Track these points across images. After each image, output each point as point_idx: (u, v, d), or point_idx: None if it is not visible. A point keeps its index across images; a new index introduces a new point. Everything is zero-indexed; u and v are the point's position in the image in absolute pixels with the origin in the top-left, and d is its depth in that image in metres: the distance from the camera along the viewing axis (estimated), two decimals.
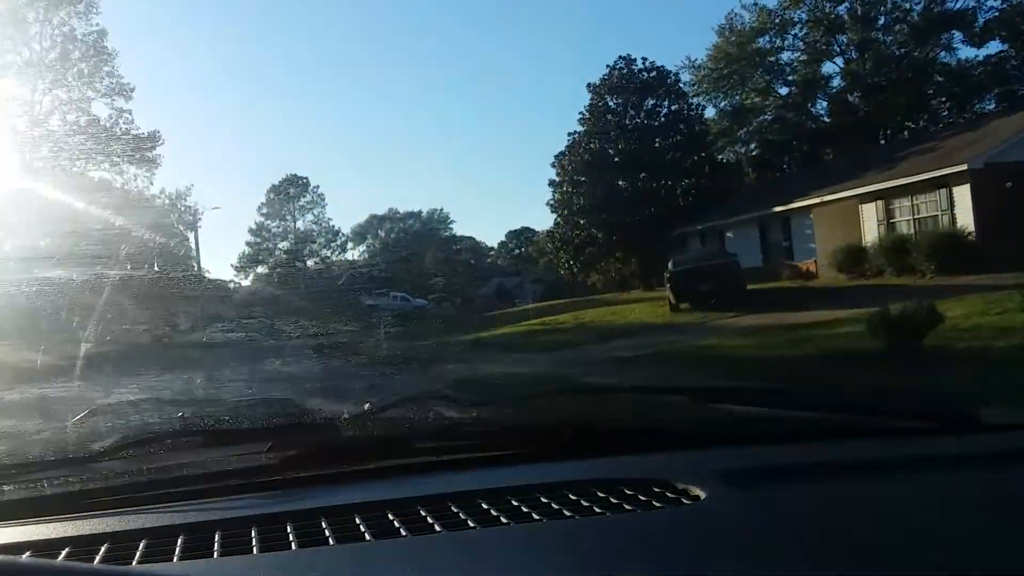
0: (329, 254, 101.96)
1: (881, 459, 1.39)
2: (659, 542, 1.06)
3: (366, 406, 1.63)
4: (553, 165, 41.46)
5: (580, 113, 41.24)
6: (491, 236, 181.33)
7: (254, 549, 1.06)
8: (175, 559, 1.04)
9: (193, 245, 53.88)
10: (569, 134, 41.31)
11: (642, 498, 1.20)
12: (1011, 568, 0.93)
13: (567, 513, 1.15)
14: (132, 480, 1.38)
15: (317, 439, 1.50)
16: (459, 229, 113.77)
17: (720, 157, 41.91)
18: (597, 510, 1.16)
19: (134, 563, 1.04)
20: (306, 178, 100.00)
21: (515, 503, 1.18)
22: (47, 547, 1.10)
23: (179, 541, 1.09)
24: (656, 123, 40.26)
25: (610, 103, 40.70)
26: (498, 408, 1.84)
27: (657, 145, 39.14)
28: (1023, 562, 0.95)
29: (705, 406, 1.87)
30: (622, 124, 39.99)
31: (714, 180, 39.41)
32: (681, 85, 41.26)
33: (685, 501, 1.18)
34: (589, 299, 36.43)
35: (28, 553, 1.07)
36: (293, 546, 1.06)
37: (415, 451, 1.48)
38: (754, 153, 42.63)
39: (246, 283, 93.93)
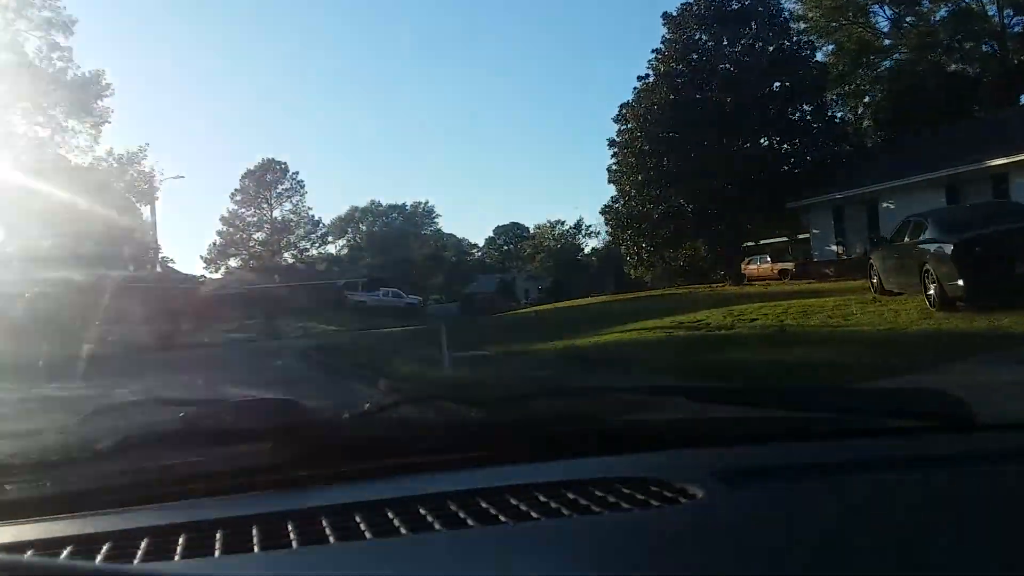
0: (308, 246, 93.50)
1: (879, 458, 1.40)
2: (657, 541, 1.07)
3: (366, 406, 1.60)
4: (617, 119, 32.22)
5: (654, 51, 32.01)
6: (472, 232, 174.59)
7: (255, 548, 1.07)
8: (176, 558, 1.05)
9: (149, 222, 43.35)
10: (639, 78, 32.05)
11: (640, 497, 1.20)
12: (1009, 569, 0.94)
13: (565, 512, 1.15)
14: (133, 479, 1.39)
15: (317, 438, 1.47)
16: (442, 224, 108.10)
17: (831, 112, 32.74)
18: (595, 509, 1.16)
19: (135, 562, 1.04)
20: (284, 163, 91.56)
21: (514, 502, 1.19)
22: (48, 546, 1.10)
23: (180, 540, 1.10)
24: (754, 64, 30.73)
25: (694, 38, 31.43)
26: (497, 407, 1.80)
27: (758, 93, 29.89)
28: (1021, 563, 0.95)
29: (703, 405, 1.84)
30: (710, 66, 30.74)
31: (830, 137, 30.45)
32: (785, 18, 32.18)
33: (683, 500, 1.18)
34: (668, 294, 27.65)
35: (30, 552, 1.08)
36: (294, 545, 1.07)
37: (415, 450, 1.50)
38: (881, 103, 33.23)
39: (216, 276, 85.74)
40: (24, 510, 1.27)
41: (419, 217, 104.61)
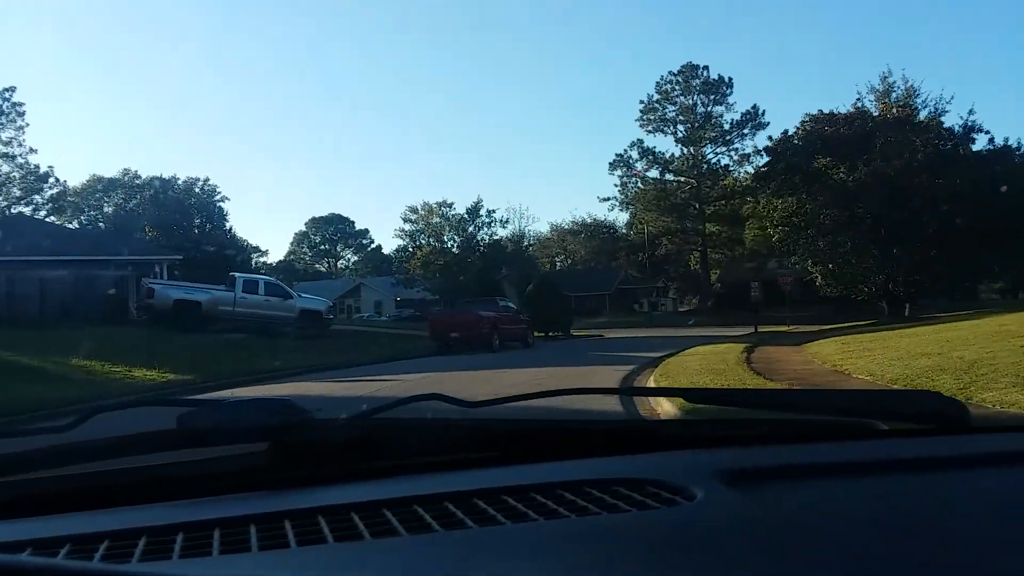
0: (31, 214, 55.84)
1: (876, 460, 1.41)
2: (655, 542, 1.06)
3: (364, 406, 1.60)
4: None
5: None
6: (254, 233, 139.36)
7: (253, 547, 1.07)
8: (174, 557, 1.05)
9: None
10: None
11: (639, 498, 1.20)
12: (1005, 571, 0.95)
13: (564, 513, 1.15)
14: (130, 478, 1.38)
15: (315, 439, 1.45)
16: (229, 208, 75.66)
17: None
18: (594, 510, 1.16)
19: (133, 561, 1.04)
20: None
21: (512, 502, 1.19)
22: (46, 545, 1.09)
23: (178, 540, 1.09)
24: None
25: None
26: (495, 408, 1.75)
27: None
28: (1017, 565, 0.96)
29: (702, 407, 1.82)
30: None
31: None
32: None
33: (682, 501, 1.18)
34: None
35: (27, 551, 1.07)
36: (292, 544, 1.07)
37: (412, 451, 1.49)
38: None
39: None
40: (22, 509, 1.25)
41: (196, 197, 68.46)
